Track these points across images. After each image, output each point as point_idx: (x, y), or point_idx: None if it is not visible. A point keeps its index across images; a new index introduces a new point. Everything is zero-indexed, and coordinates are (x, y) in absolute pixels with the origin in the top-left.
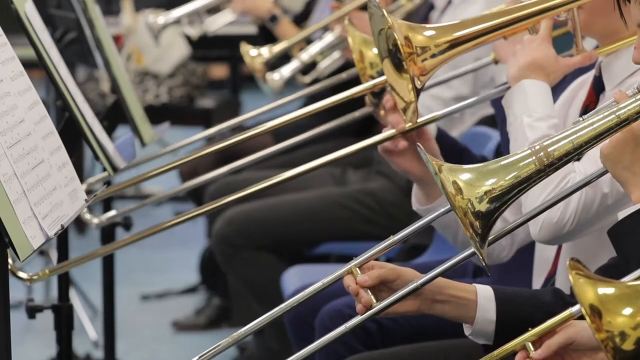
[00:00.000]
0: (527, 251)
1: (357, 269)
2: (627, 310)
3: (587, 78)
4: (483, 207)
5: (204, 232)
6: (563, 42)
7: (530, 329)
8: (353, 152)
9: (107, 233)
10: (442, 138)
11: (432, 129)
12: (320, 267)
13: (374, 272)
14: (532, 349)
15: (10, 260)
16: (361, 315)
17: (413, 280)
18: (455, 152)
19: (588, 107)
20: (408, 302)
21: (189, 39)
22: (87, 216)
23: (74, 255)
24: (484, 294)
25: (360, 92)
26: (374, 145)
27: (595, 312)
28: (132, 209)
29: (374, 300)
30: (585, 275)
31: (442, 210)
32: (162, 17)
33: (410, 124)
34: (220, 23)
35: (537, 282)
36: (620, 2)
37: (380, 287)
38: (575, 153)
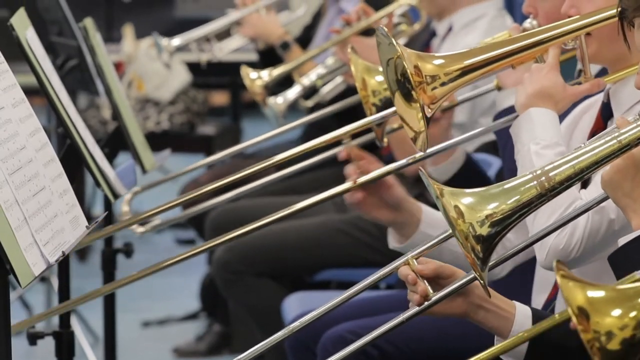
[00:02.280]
0: (528, 270)
1: (414, 260)
2: (616, 312)
3: (592, 102)
4: (484, 231)
5: (205, 259)
6: (570, 69)
7: None
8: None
9: (108, 260)
10: (473, 164)
11: (458, 157)
12: (321, 294)
13: (432, 264)
14: None
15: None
16: (418, 306)
17: (468, 273)
18: (486, 178)
19: (595, 133)
20: (457, 303)
21: (189, 65)
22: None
23: (75, 282)
24: (522, 311)
25: (367, 125)
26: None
27: (583, 314)
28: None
29: (431, 291)
30: (574, 279)
31: (445, 234)
32: (176, 39)
33: (362, 178)
34: (230, 48)
35: (537, 302)
36: (625, 27)
37: (432, 284)
38: (577, 178)
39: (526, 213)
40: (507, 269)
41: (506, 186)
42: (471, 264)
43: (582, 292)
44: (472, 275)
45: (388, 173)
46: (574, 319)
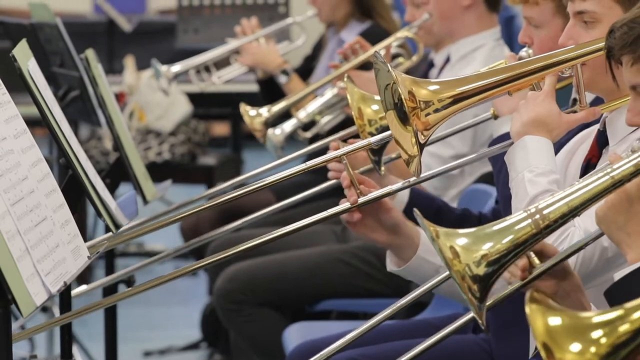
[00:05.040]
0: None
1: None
2: (575, 347)
3: (589, 132)
4: (481, 270)
5: (206, 289)
6: (565, 97)
7: None
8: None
9: (110, 290)
10: (417, 199)
11: (402, 196)
12: (322, 324)
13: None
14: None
15: None
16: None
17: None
18: (432, 211)
19: (590, 160)
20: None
21: (190, 96)
22: None
23: None
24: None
25: (362, 149)
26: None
27: (547, 349)
28: (135, 268)
29: None
30: (540, 301)
31: (444, 276)
32: (175, 66)
33: (362, 198)
34: (228, 77)
35: None
36: (612, 65)
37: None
38: (571, 215)
39: (522, 251)
40: None
41: (501, 225)
42: (469, 304)
43: (544, 319)
44: (470, 316)
45: (385, 195)
46: (542, 353)
